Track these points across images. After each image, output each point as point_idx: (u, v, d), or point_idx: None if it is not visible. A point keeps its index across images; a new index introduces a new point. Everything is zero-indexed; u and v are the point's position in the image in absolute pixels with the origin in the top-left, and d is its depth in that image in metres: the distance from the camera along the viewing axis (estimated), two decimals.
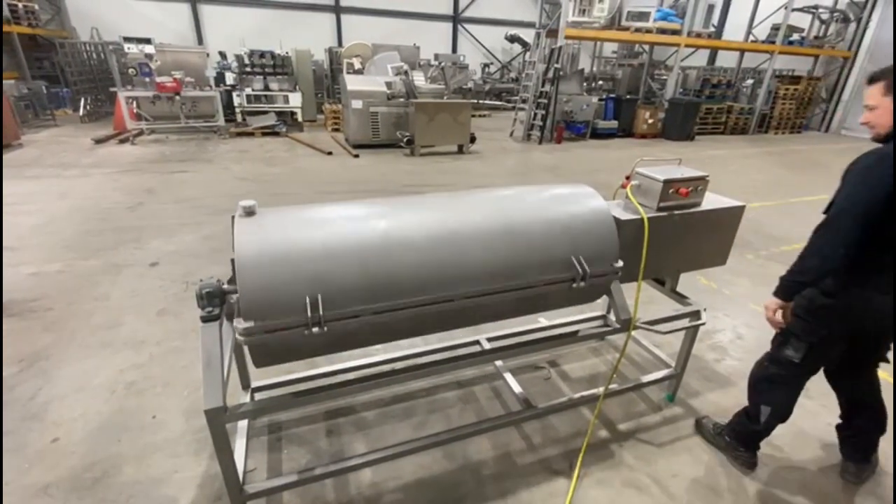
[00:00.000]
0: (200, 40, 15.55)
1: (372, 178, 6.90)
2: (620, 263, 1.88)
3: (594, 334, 1.99)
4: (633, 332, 2.16)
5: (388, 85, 8.97)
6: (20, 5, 11.40)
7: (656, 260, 2.21)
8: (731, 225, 2.34)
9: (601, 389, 2.17)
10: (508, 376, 2.24)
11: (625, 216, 2.06)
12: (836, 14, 13.39)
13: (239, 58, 10.29)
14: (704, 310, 2.20)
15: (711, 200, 2.32)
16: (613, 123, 11.56)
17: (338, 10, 16.86)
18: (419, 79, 9.45)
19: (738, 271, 4.16)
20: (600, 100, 11.49)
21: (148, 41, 8.59)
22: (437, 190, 6.38)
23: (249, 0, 15.75)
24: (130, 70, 8.68)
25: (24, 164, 7.03)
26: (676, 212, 2.15)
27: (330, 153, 8.48)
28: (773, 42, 12.58)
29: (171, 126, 9.46)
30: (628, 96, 12.29)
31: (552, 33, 10.21)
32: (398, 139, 8.76)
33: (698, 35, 11.55)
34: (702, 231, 2.26)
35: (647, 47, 13.21)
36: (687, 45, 11.43)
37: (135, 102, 9.30)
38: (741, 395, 2.52)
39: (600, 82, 14.03)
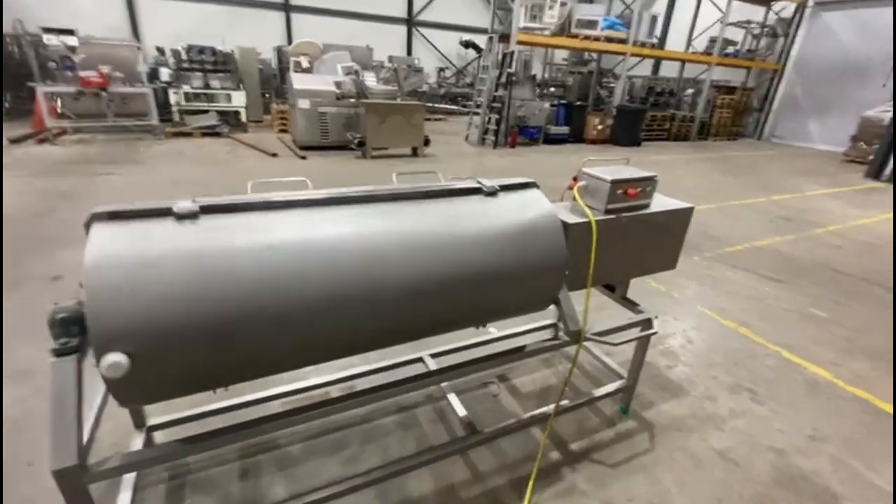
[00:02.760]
0: (137, 36, 14.50)
1: (320, 182, 6.50)
2: (566, 272, 1.74)
3: (544, 349, 1.84)
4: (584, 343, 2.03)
5: (338, 85, 8.65)
6: None
7: (606, 265, 2.09)
8: (681, 227, 2.27)
9: (552, 407, 2.01)
10: (453, 397, 2.05)
11: (571, 219, 1.93)
12: (766, 29, 14.34)
13: (175, 53, 9.62)
14: (656, 317, 2.10)
15: (660, 202, 2.24)
16: (565, 129, 11.76)
17: (287, 8, 16.28)
18: (370, 79, 9.18)
19: (686, 273, 4.20)
20: (552, 105, 11.66)
21: (71, 32, 7.82)
22: None
23: None
24: (51, 64, 7.87)
25: None
26: (625, 214, 2.04)
27: (275, 155, 8.04)
28: (711, 54, 13.28)
29: (99, 125, 8.67)
30: (579, 103, 12.57)
31: (504, 38, 10.24)
32: (349, 141, 8.45)
33: (643, 45, 11.98)
34: (651, 234, 2.17)
35: (595, 55, 13.59)
36: (633, 55, 11.83)
37: (57, 99, 8.46)
38: (695, 404, 2.48)
39: (552, 89, 14.30)
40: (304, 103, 8.41)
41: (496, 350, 1.87)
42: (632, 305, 2.22)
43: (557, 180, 7.72)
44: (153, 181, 6.09)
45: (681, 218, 2.24)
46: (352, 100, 8.58)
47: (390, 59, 15.48)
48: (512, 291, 1.65)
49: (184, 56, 9.58)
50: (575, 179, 2.16)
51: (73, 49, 7.84)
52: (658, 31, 14.75)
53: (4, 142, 7.64)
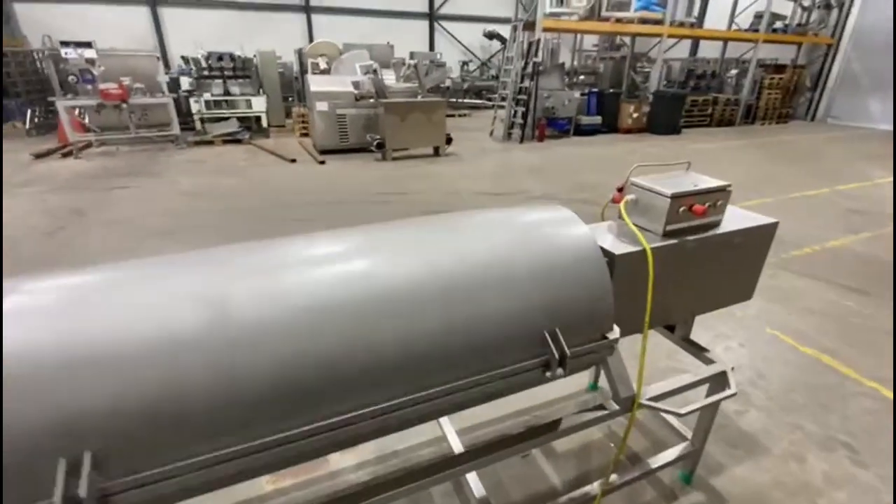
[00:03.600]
0: (162, 45, 14.72)
1: (337, 187, 6.25)
2: (617, 333, 1.29)
3: (587, 422, 1.39)
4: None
5: (356, 85, 8.31)
6: None
7: (665, 303, 1.62)
8: (761, 248, 1.76)
9: (596, 486, 1.57)
10: (472, 476, 1.63)
11: (620, 248, 1.47)
12: (818, 0, 13.06)
13: (195, 61, 9.56)
14: (732, 369, 1.61)
15: (733, 217, 1.74)
16: (597, 119, 11.05)
17: (308, 9, 16.15)
18: (390, 77, 8.81)
19: None
20: (582, 94, 10.97)
21: (88, 45, 7.83)
22: (410, 198, 5.77)
23: (213, 2, 14.96)
24: (70, 77, 7.91)
25: None
26: (690, 237, 1.56)
27: (294, 160, 7.81)
28: (757, 30, 12.19)
29: (122, 137, 8.70)
30: (611, 90, 11.80)
31: (529, 26, 9.65)
32: (368, 143, 8.13)
33: (681, 24, 11.10)
34: (723, 259, 1.68)
35: (628, 39, 12.75)
36: (670, 36, 10.97)
37: (82, 113, 8.54)
38: (777, 467, 1.96)
39: (582, 77, 13.52)
40: (321, 106, 8.15)
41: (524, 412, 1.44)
42: (698, 351, 1.73)
43: (590, 176, 7.16)
44: (167, 193, 5.94)
45: (762, 237, 1.73)
46: (371, 100, 8.24)
47: (412, 55, 15.12)
48: (540, 367, 1.22)
49: (203, 63, 9.50)
50: (620, 191, 1.70)
51: (91, 62, 7.85)
52: (696, 9, 13.75)
53: (27, 157, 7.74)
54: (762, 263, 1.79)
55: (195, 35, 14.32)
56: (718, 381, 1.61)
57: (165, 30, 14.78)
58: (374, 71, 8.59)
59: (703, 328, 2.86)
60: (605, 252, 1.45)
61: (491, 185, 6.52)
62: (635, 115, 11.23)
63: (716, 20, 14.10)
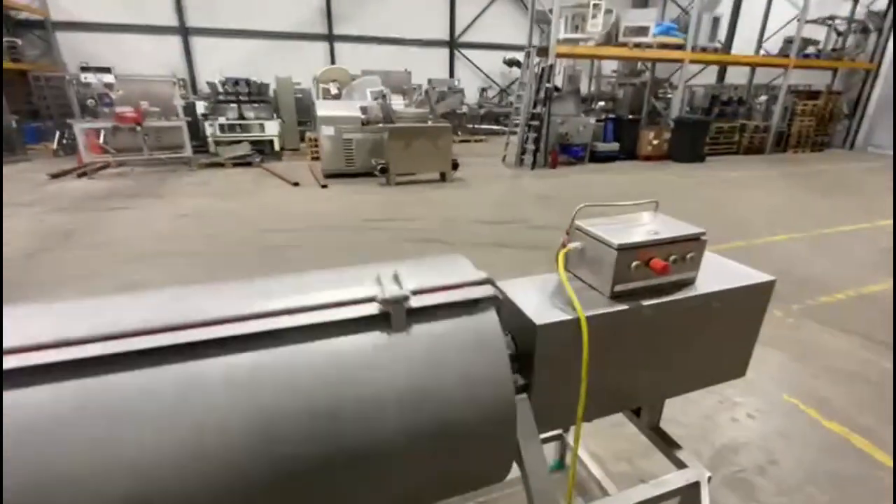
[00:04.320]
0: (192, 72, 15.33)
1: (331, 213, 6.06)
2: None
3: None
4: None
5: (364, 110, 8.26)
6: (2, 41, 11.17)
7: (619, 383, 1.25)
8: (753, 313, 1.37)
9: None
10: None
11: (546, 315, 1.12)
12: (854, 25, 12.45)
13: (212, 86, 9.79)
14: (709, 479, 1.21)
15: (717, 271, 1.36)
16: (614, 145, 10.66)
17: (331, 38, 16.59)
18: (399, 103, 8.75)
19: (764, 336, 3.11)
20: (598, 121, 10.64)
21: (108, 70, 8.10)
22: (403, 225, 5.50)
23: (240, 31, 15.54)
24: (90, 101, 8.17)
25: None
26: (647, 301, 1.19)
27: (297, 184, 7.73)
28: (787, 55, 11.65)
29: (136, 158, 8.88)
30: (630, 116, 11.42)
31: (542, 52, 9.48)
32: (373, 167, 7.99)
33: (704, 50, 10.70)
34: (701, 328, 1.30)
35: (648, 64, 12.41)
36: (692, 61, 10.58)
37: (100, 134, 8.78)
38: None
39: (601, 103, 13.23)
40: (328, 130, 8.10)
41: None
42: (667, 447, 1.33)
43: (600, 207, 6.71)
44: (163, 215, 5.88)
45: (754, 299, 1.34)
46: (380, 125, 8.16)
47: (429, 81, 15.23)
48: (433, 462, 0.89)
49: (220, 88, 9.71)
50: (568, 233, 1.36)
51: (109, 86, 8.09)
52: (722, 34, 13.35)
53: (44, 177, 7.94)
54: (755, 333, 1.39)
55: (222, 62, 14.87)
56: (691, 497, 1.20)
57: (195, 57, 15.40)
58: (384, 96, 8.56)
59: (706, 390, 2.42)
60: (524, 321, 1.11)
61: (492, 212, 6.20)
62: (655, 141, 10.79)
63: (743, 46, 13.63)
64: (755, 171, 9.73)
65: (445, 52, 18.07)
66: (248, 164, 9.43)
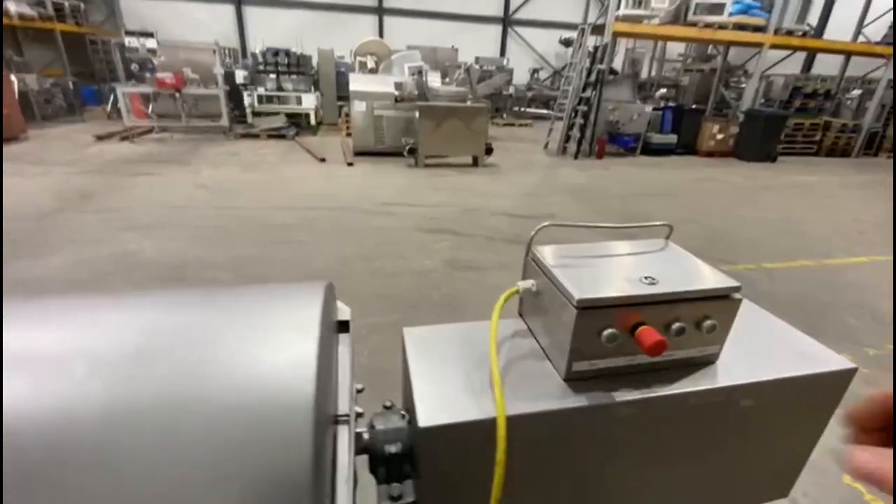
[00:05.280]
0: (243, 41, 15.49)
1: (348, 193, 5.76)
2: None
3: None
4: None
5: (398, 86, 7.86)
6: (66, 4, 11.64)
7: None
8: (814, 415, 0.87)
9: None
10: None
11: (448, 408, 0.69)
12: None
13: (253, 56, 9.71)
14: None
15: (756, 338, 0.87)
16: (672, 138, 9.66)
17: (381, 11, 16.20)
18: (435, 80, 8.26)
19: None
20: (656, 109, 9.65)
21: (151, 35, 8.14)
22: (418, 212, 5.11)
23: (291, 3, 15.47)
24: (133, 66, 8.28)
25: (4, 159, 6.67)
26: (625, 395, 0.73)
27: (323, 160, 7.50)
28: (892, 44, 10.01)
29: (175, 125, 8.98)
30: (694, 106, 10.31)
31: (598, 30, 8.62)
32: (402, 147, 7.61)
33: (789, 33, 9.36)
34: (718, 437, 0.81)
35: (721, 48, 11.10)
36: (773, 46, 9.29)
37: (145, 100, 8.94)
38: None
39: (662, 90, 12.05)
40: (359, 106, 7.79)
41: None
42: None
43: (645, 205, 6.01)
44: (181, 184, 5.82)
45: (815, 396, 0.84)
46: (415, 102, 7.74)
47: (477, 59, 14.55)
48: None
49: (260, 59, 9.61)
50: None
51: (152, 51, 8.14)
52: (814, 17, 11.74)
53: (90, 138, 8.18)
54: (813, 442, 0.89)
55: (272, 33, 14.89)
56: None
57: (247, 27, 15.53)
58: (420, 72, 8.09)
59: None
60: (411, 412, 0.68)
61: (518, 204, 5.66)
62: (720, 136, 9.67)
63: (838, 31, 11.91)
64: (836, 176, 8.48)
65: (498, 29, 17.21)
66: (283, 137, 9.32)
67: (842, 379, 0.83)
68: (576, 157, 8.81)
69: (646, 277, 0.75)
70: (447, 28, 16.47)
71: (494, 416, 0.66)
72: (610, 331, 0.70)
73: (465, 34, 16.38)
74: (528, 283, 0.84)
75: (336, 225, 4.62)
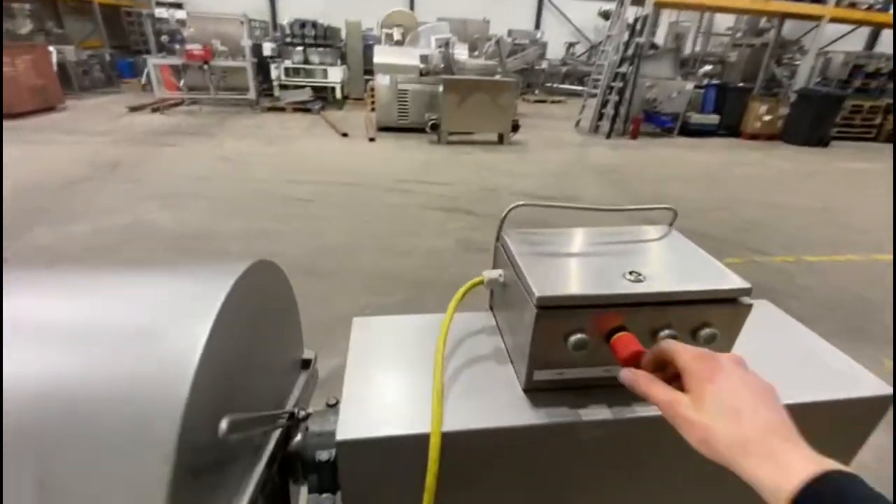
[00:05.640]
0: (274, 13, 15.39)
1: (366, 169, 5.67)
2: None
3: None
4: None
5: (423, 59, 7.63)
6: None
7: None
8: (842, 445, 0.72)
9: None
10: None
11: (374, 420, 0.58)
12: None
13: (281, 28, 9.62)
14: None
15: (775, 346, 0.71)
16: (713, 118, 9.07)
17: None
18: (462, 52, 7.96)
19: None
20: (698, 87, 9.04)
21: (180, 6, 8.14)
22: (436, 190, 4.98)
23: None
24: (163, 37, 8.34)
25: (40, 128, 6.90)
26: (592, 414, 0.60)
27: (345, 135, 7.42)
28: None
29: (204, 97, 9.07)
30: (741, 84, 9.61)
31: (639, 0, 8.06)
32: (425, 122, 7.43)
33: (852, 5, 8.50)
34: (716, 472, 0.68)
35: (775, 21, 10.22)
36: (833, 19, 8.48)
37: (175, 71, 9.05)
38: None
39: (706, 67, 11.26)
40: (383, 79, 7.61)
41: None
42: None
43: (678, 189, 5.64)
44: (203, 156, 5.87)
45: (840, 424, 0.68)
46: (441, 76, 7.50)
47: (510, 32, 13.99)
48: None
49: (287, 30, 9.51)
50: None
51: (182, 22, 8.16)
52: None
53: (124, 109, 8.36)
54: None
55: (304, 4, 14.69)
56: None
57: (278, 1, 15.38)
58: (447, 44, 7.82)
59: None
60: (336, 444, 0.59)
61: (542, 185, 5.44)
62: (767, 117, 9.00)
63: None
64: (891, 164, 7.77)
65: (534, 1, 16.43)
66: (308, 111, 9.28)
67: (877, 406, 0.67)
68: (608, 136, 8.40)
69: (631, 273, 0.61)
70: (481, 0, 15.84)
71: (428, 432, 0.55)
72: (578, 336, 0.58)
73: (498, 6, 15.73)
74: (495, 274, 0.72)
75: (351, 201, 4.55)
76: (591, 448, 0.62)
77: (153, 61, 8.23)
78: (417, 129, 7.72)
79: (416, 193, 4.84)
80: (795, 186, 6.07)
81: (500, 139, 7.51)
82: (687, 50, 11.89)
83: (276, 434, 0.61)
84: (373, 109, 9.68)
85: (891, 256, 3.97)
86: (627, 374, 0.50)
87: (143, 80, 11.10)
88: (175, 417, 0.40)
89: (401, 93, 7.68)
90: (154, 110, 8.63)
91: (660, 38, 13.14)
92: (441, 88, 6.91)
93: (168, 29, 8.19)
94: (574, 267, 0.64)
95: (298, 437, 0.67)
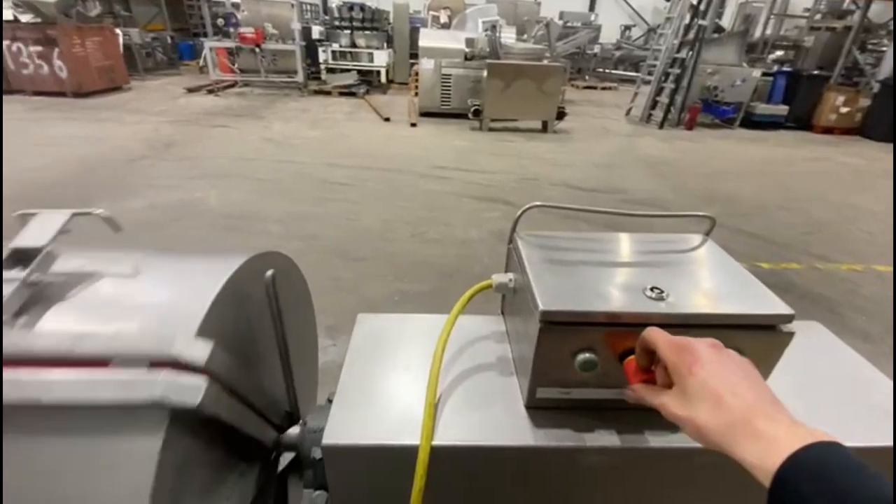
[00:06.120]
0: None
1: (405, 154, 5.67)
2: None
3: None
4: None
5: (469, 42, 7.47)
6: None
7: None
8: None
9: None
10: None
11: (362, 426, 0.56)
12: None
13: (330, 11, 9.71)
14: None
15: (815, 378, 0.63)
16: (781, 109, 8.37)
17: None
18: (510, 36, 7.75)
19: None
20: (766, 74, 8.35)
21: None
22: (474, 178, 4.91)
23: None
24: (219, 20, 8.63)
25: (107, 107, 7.38)
26: (597, 440, 0.55)
27: (388, 119, 7.44)
28: None
29: (254, 80, 9.34)
30: (816, 72, 8.79)
31: None
32: (468, 108, 7.31)
33: None
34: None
35: (862, 2, 9.20)
36: None
37: (229, 54, 9.36)
38: None
39: (777, 52, 10.35)
40: (427, 63, 7.53)
41: None
42: None
43: (735, 185, 5.24)
44: (251, 138, 6.06)
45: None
46: (486, 60, 7.34)
47: (561, 14, 13.46)
48: None
49: (336, 13, 9.59)
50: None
51: (236, 6, 8.40)
52: None
53: (182, 91, 8.77)
54: None
55: None
56: None
57: None
58: (494, 27, 7.62)
59: None
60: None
61: (585, 176, 5.23)
62: (844, 109, 8.21)
63: None
64: None
65: None
66: (353, 95, 9.37)
67: None
68: (661, 126, 7.95)
69: (653, 289, 0.55)
70: None
71: (417, 444, 0.52)
72: (586, 356, 0.52)
73: None
74: (506, 278, 0.67)
75: (388, 186, 4.57)
76: (593, 476, 0.57)
77: (209, 44, 8.55)
78: (460, 115, 7.62)
79: (454, 181, 4.79)
80: (871, 186, 5.52)
81: (545, 127, 7.28)
82: (756, 33, 10.97)
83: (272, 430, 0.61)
84: (416, 94, 9.67)
85: None
86: (628, 394, 0.51)
87: (201, 62, 11.60)
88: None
89: (444, 77, 7.59)
90: (209, 92, 9.00)
91: (726, 20, 12.20)
92: (485, 73, 6.76)
93: (223, 12, 8.45)
94: (589, 278, 0.58)
95: (297, 431, 0.66)
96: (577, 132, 7.35)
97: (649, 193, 4.77)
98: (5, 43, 7.50)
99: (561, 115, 7.17)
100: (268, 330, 0.60)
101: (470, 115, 7.15)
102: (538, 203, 0.68)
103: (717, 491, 0.58)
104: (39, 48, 7.47)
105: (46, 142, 5.36)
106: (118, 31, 8.87)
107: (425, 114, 7.80)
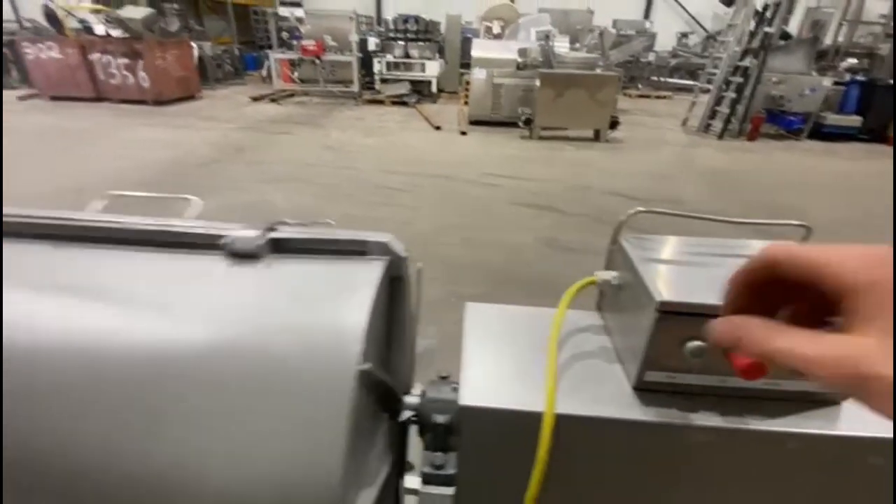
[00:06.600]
0: (379, 9, 16.14)
1: (456, 161, 5.80)
2: None
3: None
4: None
5: (522, 52, 7.55)
6: None
7: None
8: None
9: None
10: None
11: (494, 391, 0.64)
12: None
13: (385, 23, 10.08)
14: None
15: None
16: (854, 120, 7.87)
17: None
18: (563, 45, 7.76)
19: None
20: (837, 83, 7.89)
21: (298, 4, 8.90)
22: (524, 186, 4.95)
23: None
24: (283, 33, 9.18)
25: (182, 114, 8.02)
26: (705, 420, 0.60)
27: (439, 128, 7.63)
28: None
29: (314, 89, 9.84)
30: (892, 81, 8.20)
31: None
32: (518, 117, 7.37)
33: None
34: (831, 494, 0.65)
35: None
36: None
37: (291, 65, 9.93)
38: None
39: (850, 60, 9.73)
40: (479, 73, 7.68)
41: None
42: None
43: (796, 198, 4.98)
44: (312, 144, 6.41)
45: None
46: (538, 70, 7.39)
47: (615, 23, 13.28)
48: None
49: (391, 25, 9.95)
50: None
51: (300, 20, 8.92)
52: None
53: (247, 100, 9.37)
54: None
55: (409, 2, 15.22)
56: None
57: None
58: (547, 37, 7.67)
59: None
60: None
61: (638, 186, 5.15)
62: None
63: None
64: None
65: None
66: (405, 104, 9.66)
67: None
68: (720, 136, 7.68)
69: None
70: None
71: (541, 411, 0.60)
72: (696, 343, 0.58)
73: None
74: (609, 275, 0.74)
75: (440, 192, 4.70)
76: (695, 453, 0.62)
77: (274, 56, 9.12)
78: (510, 124, 7.70)
79: (504, 188, 4.86)
80: None
81: (596, 136, 7.22)
82: (827, 41, 10.39)
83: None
84: (466, 103, 9.82)
85: None
86: (720, 325, 0.35)
87: (264, 72, 12.34)
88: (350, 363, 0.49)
89: (496, 87, 7.71)
90: (272, 100, 9.57)
91: (792, 26, 11.62)
92: (537, 82, 6.81)
93: (288, 26, 8.99)
94: (696, 275, 0.64)
95: (416, 400, 0.76)
96: (631, 141, 7.24)
97: (706, 206, 4.63)
98: (95, 55, 8.31)
99: (614, 124, 7.09)
100: (388, 307, 0.70)
101: (520, 124, 7.21)
102: (641, 209, 0.75)
103: (831, 480, 0.63)
104: (126, 60, 8.23)
105: (132, 145, 5.91)
106: (193, 44, 9.61)
107: (475, 122, 7.93)
